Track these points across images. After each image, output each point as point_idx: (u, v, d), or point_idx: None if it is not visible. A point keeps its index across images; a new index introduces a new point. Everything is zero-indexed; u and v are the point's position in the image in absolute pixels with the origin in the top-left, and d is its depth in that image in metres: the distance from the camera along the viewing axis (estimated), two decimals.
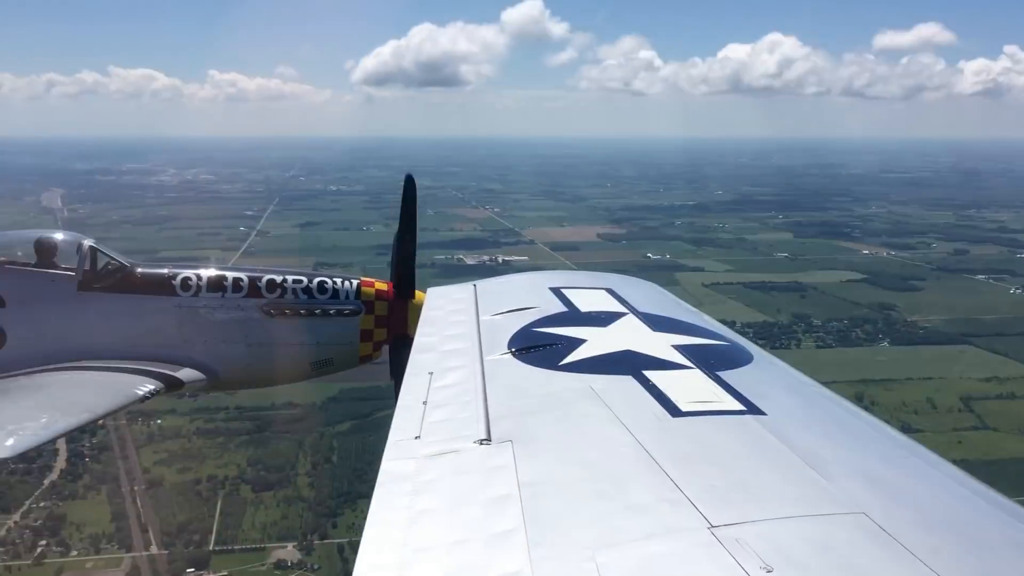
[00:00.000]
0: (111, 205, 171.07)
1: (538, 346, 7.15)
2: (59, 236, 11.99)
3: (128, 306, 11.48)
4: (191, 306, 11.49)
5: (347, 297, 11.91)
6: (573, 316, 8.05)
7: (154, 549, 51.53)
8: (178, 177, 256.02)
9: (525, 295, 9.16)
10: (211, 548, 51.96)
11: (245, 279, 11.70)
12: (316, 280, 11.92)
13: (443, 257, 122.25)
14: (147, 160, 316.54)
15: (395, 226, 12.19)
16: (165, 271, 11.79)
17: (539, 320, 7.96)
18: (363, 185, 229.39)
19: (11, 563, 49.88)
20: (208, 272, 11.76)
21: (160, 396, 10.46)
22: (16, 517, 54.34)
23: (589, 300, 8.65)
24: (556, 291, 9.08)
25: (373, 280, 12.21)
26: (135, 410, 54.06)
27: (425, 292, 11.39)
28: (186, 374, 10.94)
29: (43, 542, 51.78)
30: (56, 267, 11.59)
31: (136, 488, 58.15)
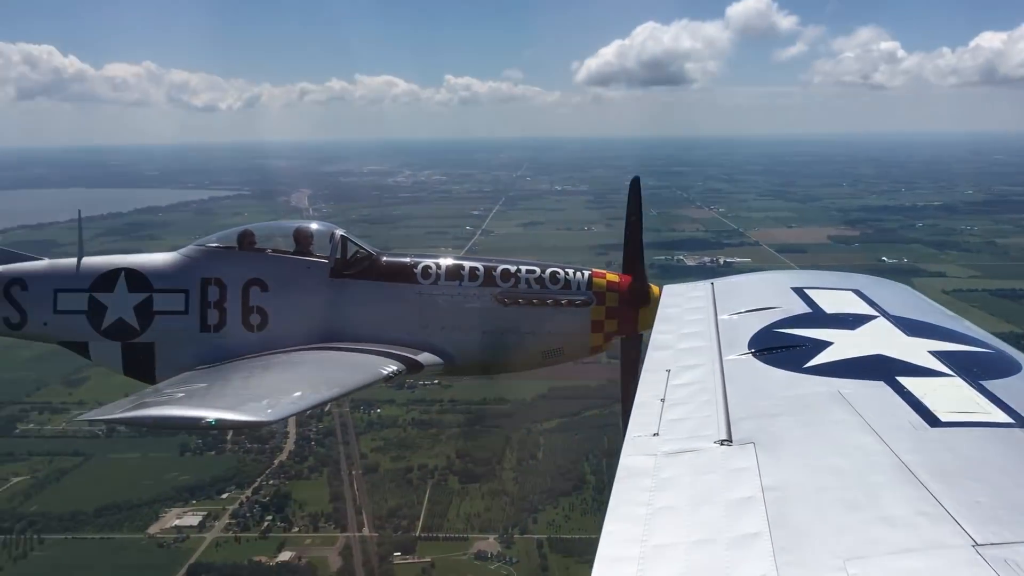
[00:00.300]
0: (351, 204, 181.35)
1: (781, 347, 7.03)
2: (314, 226, 12.91)
3: (374, 292, 12.16)
4: (430, 293, 12.04)
5: (579, 288, 12.10)
6: (818, 317, 7.87)
7: (366, 531, 54.20)
8: (412, 178, 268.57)
9: (766, 295, 9.05)
10: (417, 534, 53.79)
11: (481, 268, 12.15)
12: (549, 270, 12.20)
13: (663, 258, 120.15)
14: (386, 162, 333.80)
15: (618, 225, 12.61)
16: (407, 260, 12.37)
17: (781, 320, 7.82)
18: (587, 185, 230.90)
19: (241, 534, 54.00)
20: (446, 261, 12.32)
21: (401, 377, 11.12)
22: (248, 492, 58.80)
23: (835, 301, 8.44)
24: (799, 291, 8.92)
25: (605, 272, 12.37)
26: (358, 398, 57.07)
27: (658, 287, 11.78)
28: (425, 358, 11.48)
29: (269, 517, 55.64)
30: (311, 255, 12.43)
31: (354, 472, 61.49)
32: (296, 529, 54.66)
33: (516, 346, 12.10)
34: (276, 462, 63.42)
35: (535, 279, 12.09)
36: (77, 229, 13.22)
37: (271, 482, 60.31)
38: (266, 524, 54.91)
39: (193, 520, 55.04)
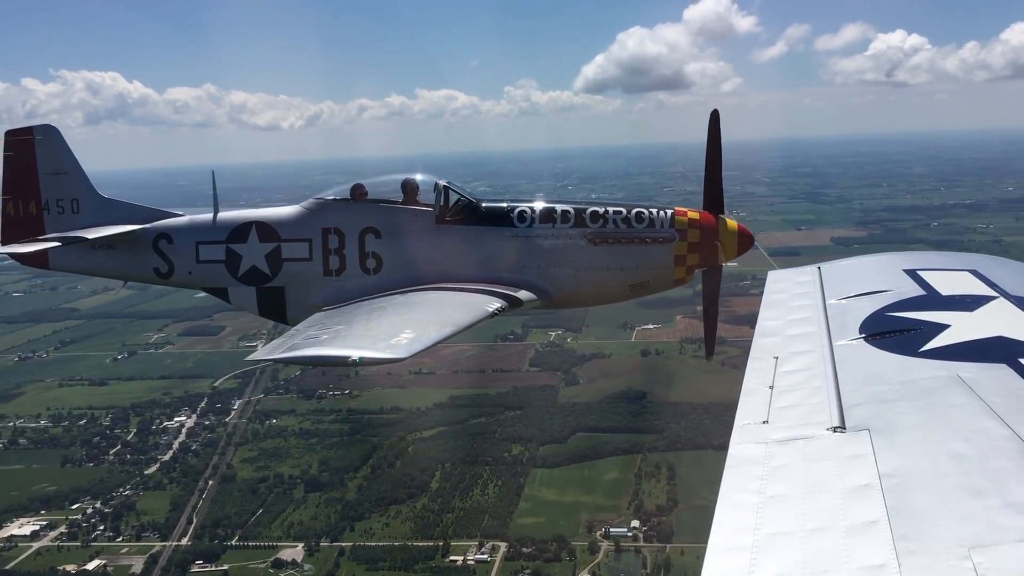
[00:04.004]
0: None
1: (894, 331, 6.98)
2: (419, 177, 13.92)
3: (475, 236, 13.20)
4: (526, 235, 13.07)
5: (662, 225, 12.95)
6: (933, 299, 7.77)
7: (186, 540, 54.74)
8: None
9: (876, 277, 9.07)
10: (231, 543, 54.23)
11: (572, 211, 13.13)
12: (634, 211, 13.12)
13: None
14: (442, 177, 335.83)
15: None
16: (504, 205, 13.46)
17: (894, 304, 7.79)
18: (624, 192, 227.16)
19: (66, 543, 55.28)
20: (540, 205, 13.31)
21: (505, 313, 12.05)
22: (98, 503, 60.01)
23: (950, 282, 8.31)
24: (912, 273, 8.90)
25: (686, 209, 13.14)
26: (259, 408, 57.55)
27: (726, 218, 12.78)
28: (524, 295, 12.52)
29: (101, 527, 56.83)
30: (418, 204, 13.55)
31: (209, 483, 62.09)
32: (121, 539, 55.56)
33: (606, 281, 13.11)
34: (145, 472, 64.42)
35: (622, 219, 12.98)
36: (212, 191, 14.50)
37: (126, 492, 61.31)
38: (95, 534, 55.96)
39: (29, 530, 56.51)
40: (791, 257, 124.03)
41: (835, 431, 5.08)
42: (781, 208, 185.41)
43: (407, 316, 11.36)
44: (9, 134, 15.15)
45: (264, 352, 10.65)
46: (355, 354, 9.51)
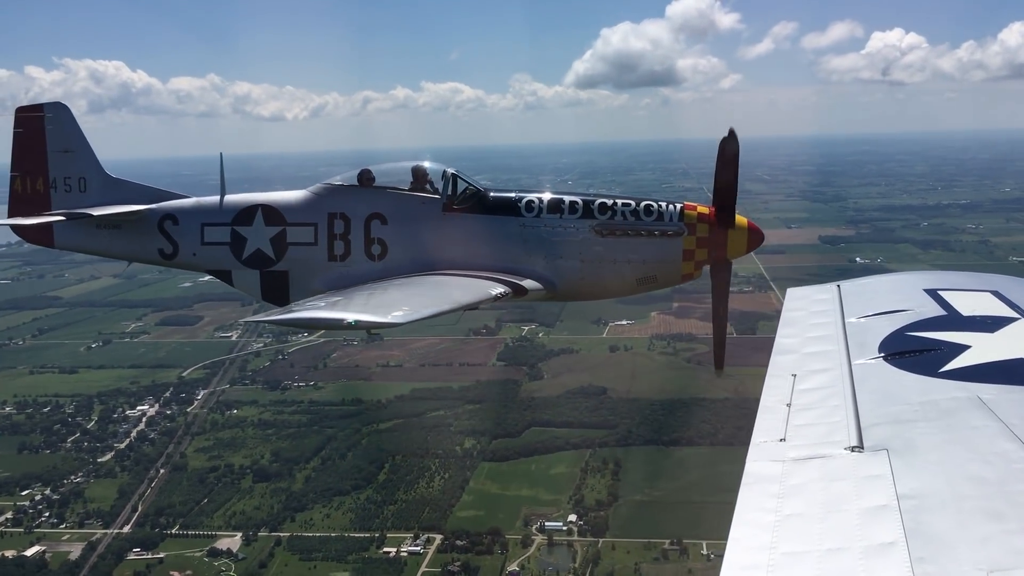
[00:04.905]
0: None
1: (914, 351, 6.98)
2: (427, 165, 13.89)
3: (482, 225, 13.14)
4: (534, 226, 12.95)
5: (671, 219, 12.73)
6: (953, 320, 7.77)
7: (127, 528, 54.88)
8: None
9: (896, 297, 9.04)
10: (171, 532, 54.37)
11: (580, 202, 12.97)
12: (643, 203, 12.96)
13: None
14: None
15: None
16: (512, 195, 13.32)
17: (914, 323, 7.78)
18: (623, 188, 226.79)
19: (9, 529, 55.62)
20: (549, 196, 13.20)
21: (508, 299, 12.15)
22: (47, 490, 60.20)
23: (971, 303, 8.29)
24: (932, 293, 8.87)
25: (696, 204, 12.96)
26: (223, 399, 57.35)
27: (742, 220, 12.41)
28: (529, 284, 12.50)
29: (46, 513, 57.08)
30: (425, 191, 13.57)
31: (160, 472, 62.21)
32: (64, 526, 55.84)
33: (613, 274, 12.96)
34: (98, 461, 64.52)
35: (630, 211, 12.79)
36: (218, 179, 14.47)
37: (77, 479, 61.51)
38: (39, 521, 56.26)
39: None
40: (775, 255, 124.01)
41: (853, 451, 5.06)
42: (776, 206, 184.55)
43: (409, 291, 11.50)
44: (20, 111, 15.15)
45: (262, 315, 10.67)
46: (350, 317, 9.50)
